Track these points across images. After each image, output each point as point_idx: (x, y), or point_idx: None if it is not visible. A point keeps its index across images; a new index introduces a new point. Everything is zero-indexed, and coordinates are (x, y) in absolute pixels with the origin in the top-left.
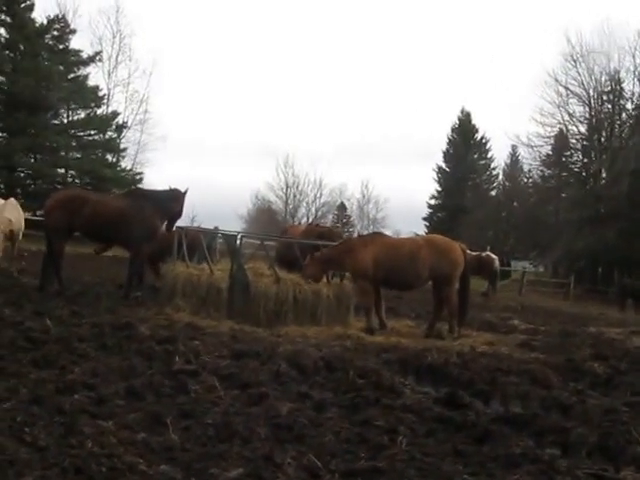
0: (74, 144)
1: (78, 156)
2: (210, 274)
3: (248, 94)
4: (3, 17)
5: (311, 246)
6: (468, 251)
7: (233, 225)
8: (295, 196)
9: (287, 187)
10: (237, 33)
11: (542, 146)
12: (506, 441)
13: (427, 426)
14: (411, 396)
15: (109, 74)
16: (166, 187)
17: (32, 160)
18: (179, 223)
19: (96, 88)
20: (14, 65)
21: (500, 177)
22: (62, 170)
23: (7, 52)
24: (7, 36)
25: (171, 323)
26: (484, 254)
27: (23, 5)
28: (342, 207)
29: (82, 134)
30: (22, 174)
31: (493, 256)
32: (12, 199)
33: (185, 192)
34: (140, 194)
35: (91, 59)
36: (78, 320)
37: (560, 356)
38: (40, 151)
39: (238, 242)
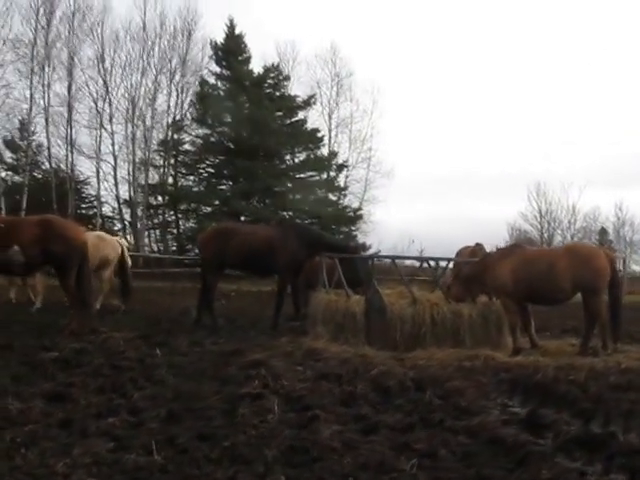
0: (294, 185)
1: (298, 197)
2: (347, 299)
3: (481, 122)
4: (223, 71)
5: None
6: None
7: None
8: (549, 224)
9: (541, 215)
10: (455, 61)
11: None
12: (541, 465)
13: (471, 449)
14: (486, 418)
15: (329, 116)
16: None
17: (261, 205)
18: None
19: (315, 130)
20: (233, 115)
21: None
22: (287, 213)
23: (227, 103)
24: (225, 88)
25: (294, 350)
26: None
27: (240, 58)
28: (603, 232)
29: (302, 176)
30: (245, 218)
31: None
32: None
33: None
34: (289, 226)
35: (307, 103)
36: (190, 349)
37: None
38: (261, 195)
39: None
